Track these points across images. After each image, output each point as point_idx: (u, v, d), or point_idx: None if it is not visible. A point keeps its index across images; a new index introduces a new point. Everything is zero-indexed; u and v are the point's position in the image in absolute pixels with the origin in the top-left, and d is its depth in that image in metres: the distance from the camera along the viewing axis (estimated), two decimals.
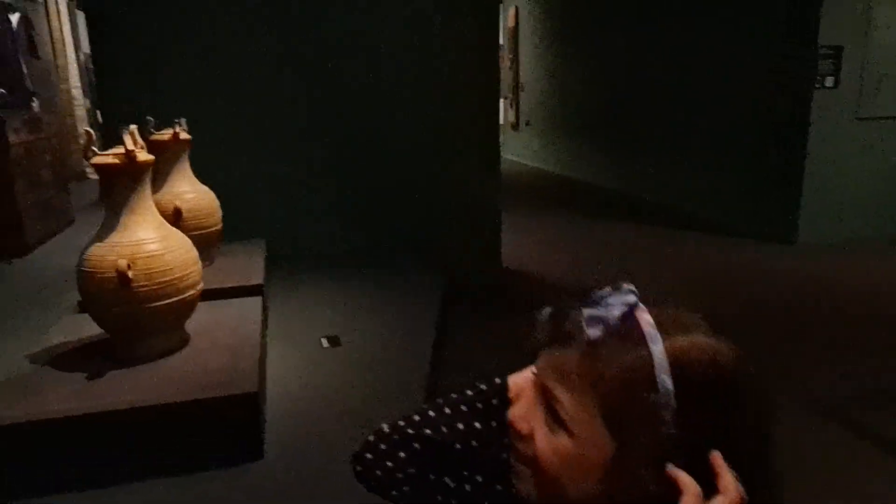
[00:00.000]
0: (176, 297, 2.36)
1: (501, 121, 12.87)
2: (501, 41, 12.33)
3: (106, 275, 2.23)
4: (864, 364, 3.26)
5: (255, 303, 3.01)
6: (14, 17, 7.86)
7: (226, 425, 2.09)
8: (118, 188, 2.32)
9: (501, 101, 12.95)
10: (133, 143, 2.36)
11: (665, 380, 0.58)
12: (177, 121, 3.48)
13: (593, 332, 0.62)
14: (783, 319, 3.91)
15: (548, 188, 9.09)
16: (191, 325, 2.62)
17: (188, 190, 3.50)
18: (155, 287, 2.29)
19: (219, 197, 3.70)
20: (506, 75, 11.82)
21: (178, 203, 3.38)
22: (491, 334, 3.73)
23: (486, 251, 4.85)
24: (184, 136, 3.49)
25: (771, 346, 3.44)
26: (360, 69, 4.86)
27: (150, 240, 2.33)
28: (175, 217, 3.37)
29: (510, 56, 11.32)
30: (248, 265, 3.64)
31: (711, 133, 6.27)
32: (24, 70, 7.76)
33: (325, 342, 3.14)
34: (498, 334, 3.54)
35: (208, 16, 4.50)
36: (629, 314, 0.64)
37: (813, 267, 4.86)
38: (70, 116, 7.62)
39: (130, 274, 2.22)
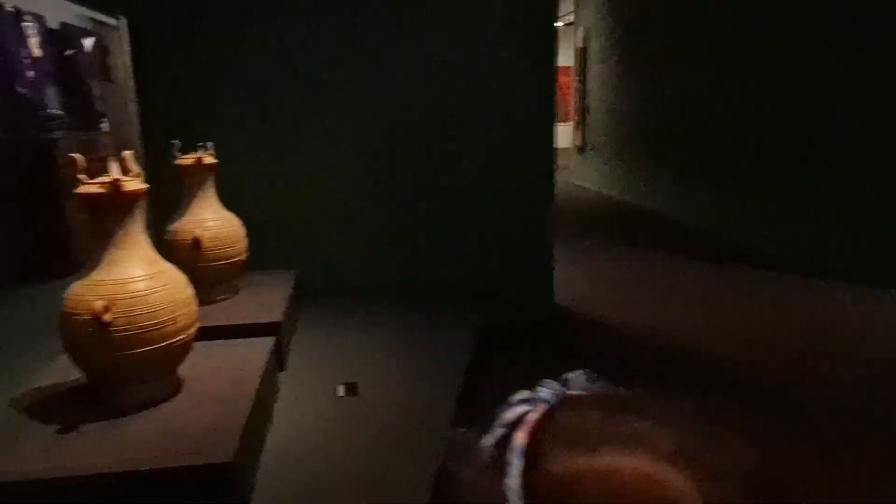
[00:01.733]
0: (162, 342, 2.12)
1: (567, 144, 12.45)
2: (570, 63, 11.95)
3: (83, 317, 2.01)
4: None
5: (264, 345, 2.75)
6: (88, 42, 8.18)
7: (195, 501, 1.80)
8: (103, 220, 2.11)
9: (566, 124, 12.54)
10: (126, 170, 2.16)
11: None
12: (201, 144, 3.31)
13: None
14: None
15: (614, 217, 8.56)
16: (187, 368, 2.37)
17: (211, 217, 3.31)
18: (138, 331, 2.06)
19: (249, 225, 3.51)
20: (573, 97, 11.44)
21: (198, 232, 3.19)
22: (534, 383, 3.32)
23: (536, 287, 4.45)
24: (208, 160, 3.32)
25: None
26: (402, 95, 4.62)
27: (136, 278, 2.10)
28: (194, 246, 3.18)
29: (578, 78, 10.91)
30: (271, 299, 3.41)
31: (821, 164, 5.58)
32: (94, 93, 8.03)
33: (340, 390, 2.85)
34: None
35: (249, 38, 4.37)
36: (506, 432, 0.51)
37: None
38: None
39: (108, 317, 1.99)
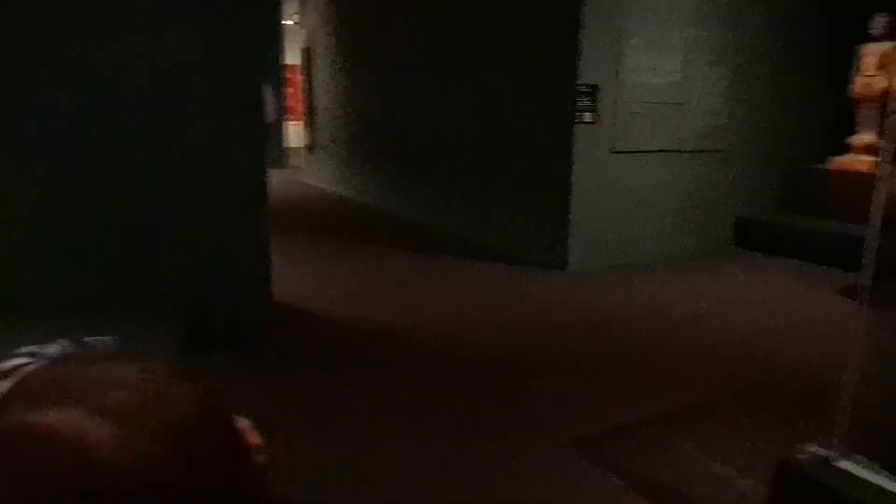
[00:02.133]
0: None
1: (296, 143, 12.44)
2: (297, 62, 11.94)
3: None
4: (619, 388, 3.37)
5: None
6: None
7: None
8: None
9: (297, 123, 12.52)
10: None
11: None
12: None
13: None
14: (556, 342, 3.99)
15: (344, 215, 8.81)
16: None
17: None
18: None
19: None
20: (300, 98, 11.46)
21: None
22: (252, 388, 3.29)
23: (251, 286, 4.39)
24: None
25: (546, 367, 3.46)
26: (99, 96, 4.19)
27: None
28: None
29: (303, 78, 10.96)
30: None
31: (495, 164, 6.45)
32: None
33: None
34: (262, 385, 3.15)
35: None
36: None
37: (579, 291, 5.11)
38: None
39: None
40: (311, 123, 11.07)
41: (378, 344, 3.99)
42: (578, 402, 3.19)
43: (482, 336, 4.14)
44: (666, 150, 5.99)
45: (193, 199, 4.15)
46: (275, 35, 11.29)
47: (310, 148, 11.18)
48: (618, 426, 2.94)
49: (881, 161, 2.22)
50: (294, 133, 12.74)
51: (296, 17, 12.59)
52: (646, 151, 5.87)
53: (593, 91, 5.46)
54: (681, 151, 6.08)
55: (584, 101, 5.43)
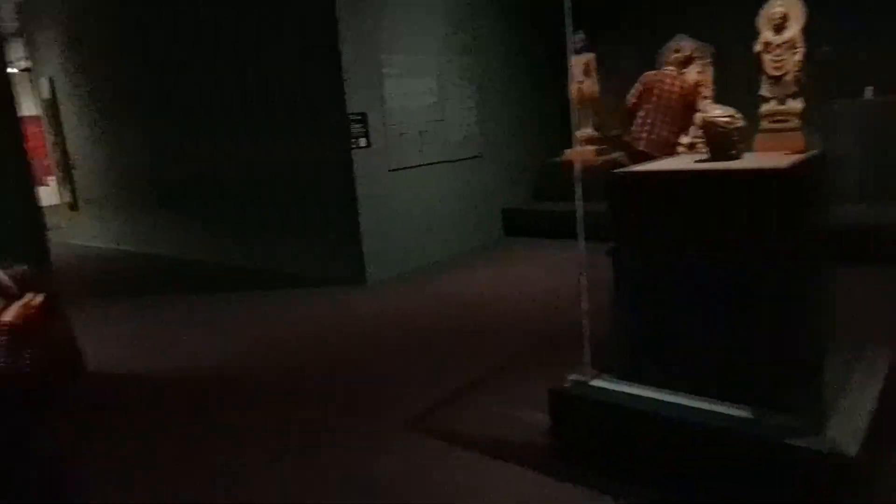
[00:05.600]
0: None
1: (56, 201, 11.34)
2: (39, 113, 10.88)
3: None
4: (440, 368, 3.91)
5: None
6: None
7: None
8: None
9: (48, 182, 11.39)
10: None
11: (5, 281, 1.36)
12: None
13: None
14: (366, 345, 4.43)
15: (120, 270, 8.32)
16: None
17: None
18: None
19: None
20: (52, 152, 10.52)
21: None
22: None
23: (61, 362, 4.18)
24: None
25: (364, 372, 3.87)
26: None
27: None
28: None
29: (52, 132, 10.09)
30: None
31: (285, 195, 6.70)
32: None
33: None
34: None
35: None
36: None
37: (381, 299, 5.63)
38: None
39: None
40: (69, 180, 10.22)
41: (188, 391, 4.09)
42: (401, 391, 3.68)
43: (299, 358, 4.44)
44: (435, 163, 6.79)
45: None
46: None
47: (72, 205, 10.31)
48: (437, 400, 3.48)
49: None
50: (46, 192, 11.58)
51: (23, 63, 11.46)
52: (418, 166, 6.60)
53: (363, 118, 6.03)
54: (447, 161, 6.93)
55: (356, 128, 5.97)
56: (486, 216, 7.53)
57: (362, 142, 6.04)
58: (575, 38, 7.39)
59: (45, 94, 9.99)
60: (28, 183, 4.60)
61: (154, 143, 8.22)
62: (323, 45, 5.88)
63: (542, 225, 7.40)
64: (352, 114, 5.93)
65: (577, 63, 7.23)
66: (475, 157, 7.30)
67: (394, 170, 6.36)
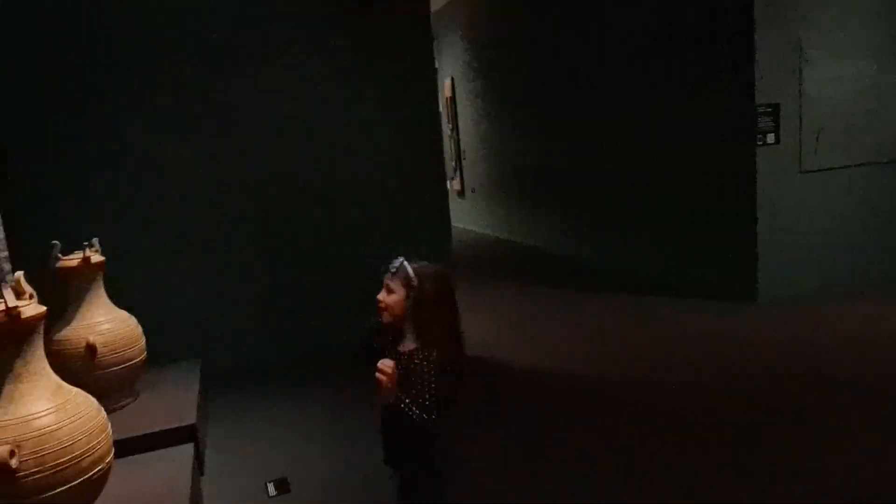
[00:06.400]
0: (78, 479, 1.93)
1: (447, 188, 12.80)
2: (441, 109, 12.40)
3: None
4: (855, 445, 3.02)
5: (183, 456, 2.57)
6: None
7: None
8: (0, 353, 1.91)
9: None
10: (19, 293, 1.98)
11: (411, 274, 1.82)
12: (87, 243, 3.08)
13: (393, 269, 1.85)
14: (753, 384, 3.68)
15: (500, 256, 8.89)
16: (105, 499, 2.17)
17: (104, 320, 3.07)
18: (50, 472, 1.87)
19: (143, 319, 3.29)
20: (448, 145, 11.83)
21: (91, 338, 2.95)
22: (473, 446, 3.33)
23: None
24: (96, 258, 3.09)
25: (746, 418, 3.18)
26: (288, 162, 4.61)
27: (42, 412, 1.91)
28: (89, 355, 2.94)
29: (450, 125, 11.32)
30: (179, 397, 3.20)
31: (661, 194, 6.21)
32: None
33: (271, 489, 2.72)
34: (473, 444, 3.18)
35: (121, 125, 4.19)
36: (402, 264, 1.84)
37: (777, 324, 4.72)
38: None
39: (15, 462, 1.79)
40: (459, 169, 11.36)
41: (570, 394, 3.89)
42: (812, 454, 2.90)
43: (677, 378, 3.91)
44: (862, 164, 5.44)
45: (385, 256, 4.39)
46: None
47: (460, 193, 11.46)
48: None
49: None
50: None
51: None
52: (839, 168, 5.37)
53: (774, 109, 5.11)
54: (879, 163, 5.50)
55: (765, 122, 5.09)
56: None
57: (770, 138, 5.14)
58: None
59: (448, 92, 11.22)
60: (442, 174, 5.08)
61: (538, 140, 8.48)
62: (734, 26, 5.13)
63: None
64: (761, 105, 5.06)
65: None
66: None
67: (806, 171, 5.28)
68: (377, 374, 1.64)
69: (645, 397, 3.74)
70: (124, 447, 2.51)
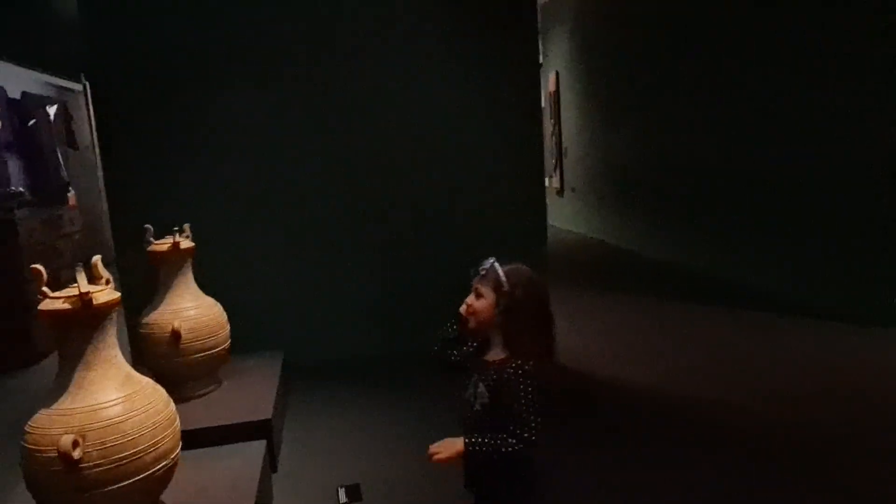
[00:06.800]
0: (142, 473, 1.86)
1: (547, 185, 12.41)
2: (543, 104, 12.02)
3: (49, 454, 1.75)
4: None
5: (255, 454, 2.48)
6: (52, 110, 7.89)
7: None
8: (71, 339, 1.86)
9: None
10: (97, 277, 1.93)
11: (502, 278, 1.63)
12: (177, 229, 3.08)
13: (482, 271, 1.67)
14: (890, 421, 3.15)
15: (598, 259, 8.45)
16: (171, 493, 2.10)
17: (191, 306, 3.06)
18: (113, 465, 1.80)
19: (230, 306, 3.26)
20: (548, 141, 11.44)
21: (176, 324, 2.94)
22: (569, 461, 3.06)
23: None
24: (185, 244, 3.08)
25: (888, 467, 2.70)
26: (382, 154, 4.49)
27: (109, 402, 1.84)
28: (173, 339, 2.93)
29: (552, 121, 10.94)
30: (258, 390, 3.15)
31: (786, 198, 5.58)
32: (61, 161, 7.71)
33: (342, 495, 2.57)
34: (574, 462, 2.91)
35: (220, 113, 4.22)
36: (492, 266, 1.67)
37: None
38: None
39: (78, 453, 1.73)
40: (559, 167, 10.96)
41: (677, 419, 3.51)
42: None
43: (806, 411, 3.43)
44: None
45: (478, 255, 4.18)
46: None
47: (559, 191, 11.06)
48: None
49: None
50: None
51: (539, 58, 12.75)
52: None
53: None
54: None
55: None
56: None
57: None
58: None
59: (552, 86, 10.85)
60: (540, 170, 4.82)
61: (650, 139, 7.96)
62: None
63: None
64: None
65: None
66: None
67: None
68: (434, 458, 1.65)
69: (763, 428, 3.30)
70: (196, 438, 2.45)
